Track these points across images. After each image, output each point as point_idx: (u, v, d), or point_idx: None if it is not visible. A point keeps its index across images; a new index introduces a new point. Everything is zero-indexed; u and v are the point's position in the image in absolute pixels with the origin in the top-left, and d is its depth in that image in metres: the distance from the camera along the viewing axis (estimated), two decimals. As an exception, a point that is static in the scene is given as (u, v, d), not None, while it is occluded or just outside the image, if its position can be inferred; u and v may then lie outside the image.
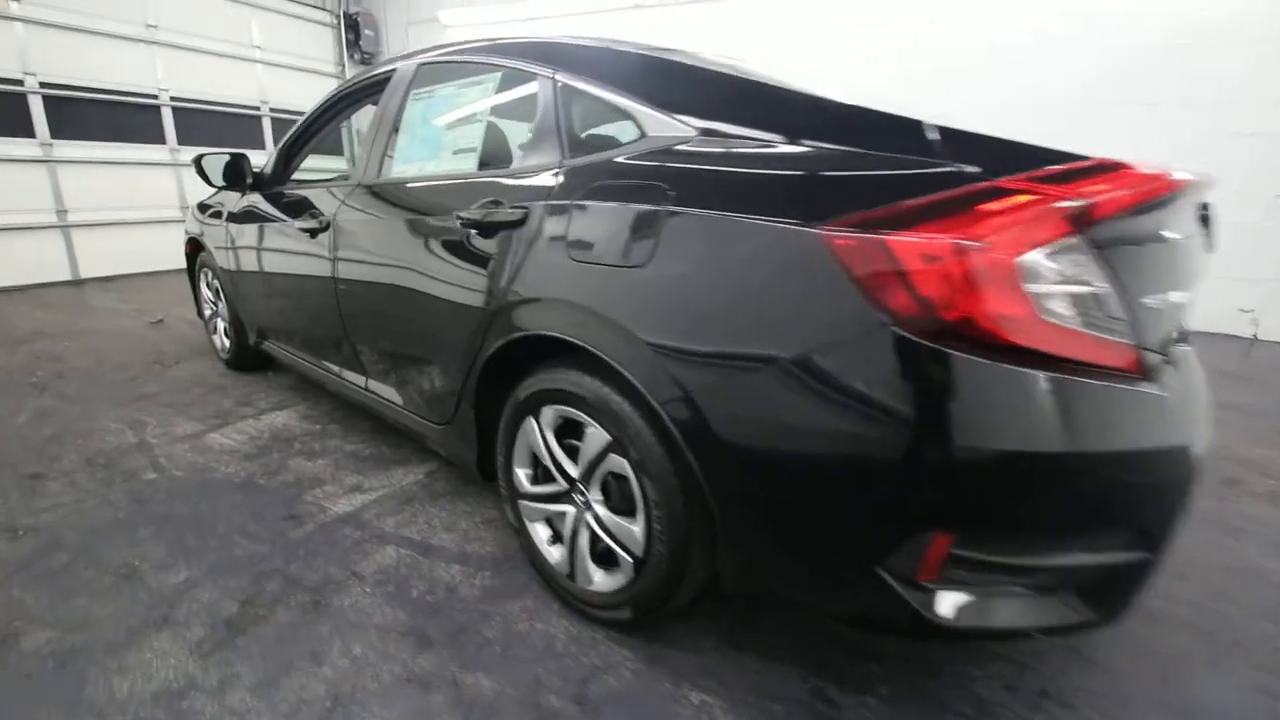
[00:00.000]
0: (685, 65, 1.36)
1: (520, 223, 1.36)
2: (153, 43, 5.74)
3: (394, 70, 1.98)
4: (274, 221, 2.39)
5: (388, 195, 1.84)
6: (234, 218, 2.67)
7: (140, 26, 5.65)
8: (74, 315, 4.34)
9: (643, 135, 1.26)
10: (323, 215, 2.02)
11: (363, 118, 2.45)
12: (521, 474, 1.52)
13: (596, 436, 1.28)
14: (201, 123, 6.19)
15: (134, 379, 3.06)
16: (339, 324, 2.06)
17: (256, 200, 2.52)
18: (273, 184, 2.50)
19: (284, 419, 2.61)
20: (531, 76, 1.52)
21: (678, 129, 1.21)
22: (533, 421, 1.42)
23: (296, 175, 2.67)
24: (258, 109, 6.68)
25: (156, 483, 2.04)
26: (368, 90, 2.17)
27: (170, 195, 6.06)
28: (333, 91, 2.33)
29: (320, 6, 7.19)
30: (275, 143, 6.92)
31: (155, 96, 5.82)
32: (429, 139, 1.80)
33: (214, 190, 3.01)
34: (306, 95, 7.13)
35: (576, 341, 1.23)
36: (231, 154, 2.45)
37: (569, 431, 1.38)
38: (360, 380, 2.10)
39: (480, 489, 2.03)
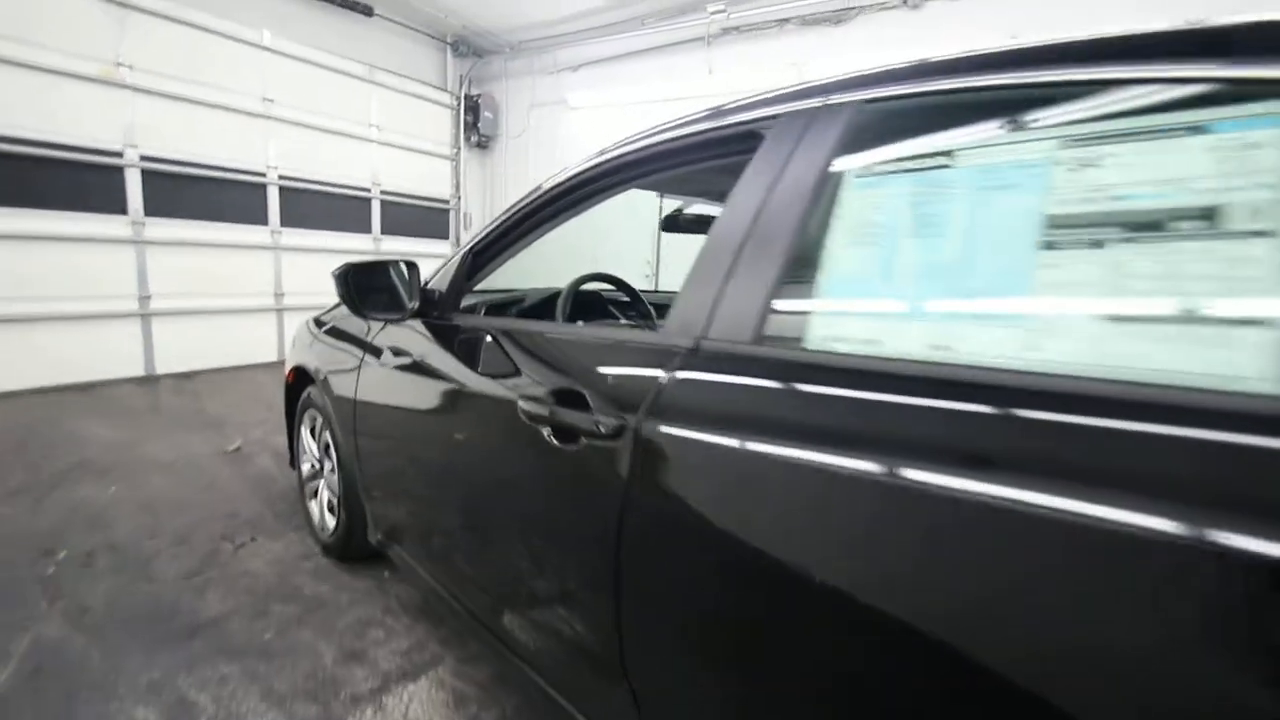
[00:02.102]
0: None
1: None
2: (268, 117, 5.20)
3: (813, 108, 0.92)
4: (459, 378, 1.36)
5: (853, 384, 0.76)
6: (382, 353, 1.67)
7: (256, 100, 5.12)
8: (136, 431, 3.45)
9: None
10: (611, 411, 0.96)
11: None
12: None
13: None
14: (307, 204, 5.57)
15: (191, 576, 2.03)
16: (608, 624, 0.96)
17: (421, 334, 1.52)
18: (450, 307, 1.51)
19: (426, 702, 1.50)
20: None
21: None
22: None
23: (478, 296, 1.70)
24: (368, 190, 6.07)
25: None
26: (679, 156, 1.17)
27: (265, 281, 5.36)
28: (582, 166, 1.33)
29: (442, 87, 6.70)
30: (382, 227, 6.30)
31: (263, 174, 5.22)
32: (1018, 245, 0.72)
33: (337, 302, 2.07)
34: (419, 178, 6.54)
35: None
36: (392, 261, 1.47)
37: None
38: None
39: None
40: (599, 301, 1.90)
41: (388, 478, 1.69)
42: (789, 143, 0.90)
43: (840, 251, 0.79)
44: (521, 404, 1.11)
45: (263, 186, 5.24)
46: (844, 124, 0.85)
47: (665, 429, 0.86)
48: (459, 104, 6.81)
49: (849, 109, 0.85)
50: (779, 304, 0.82)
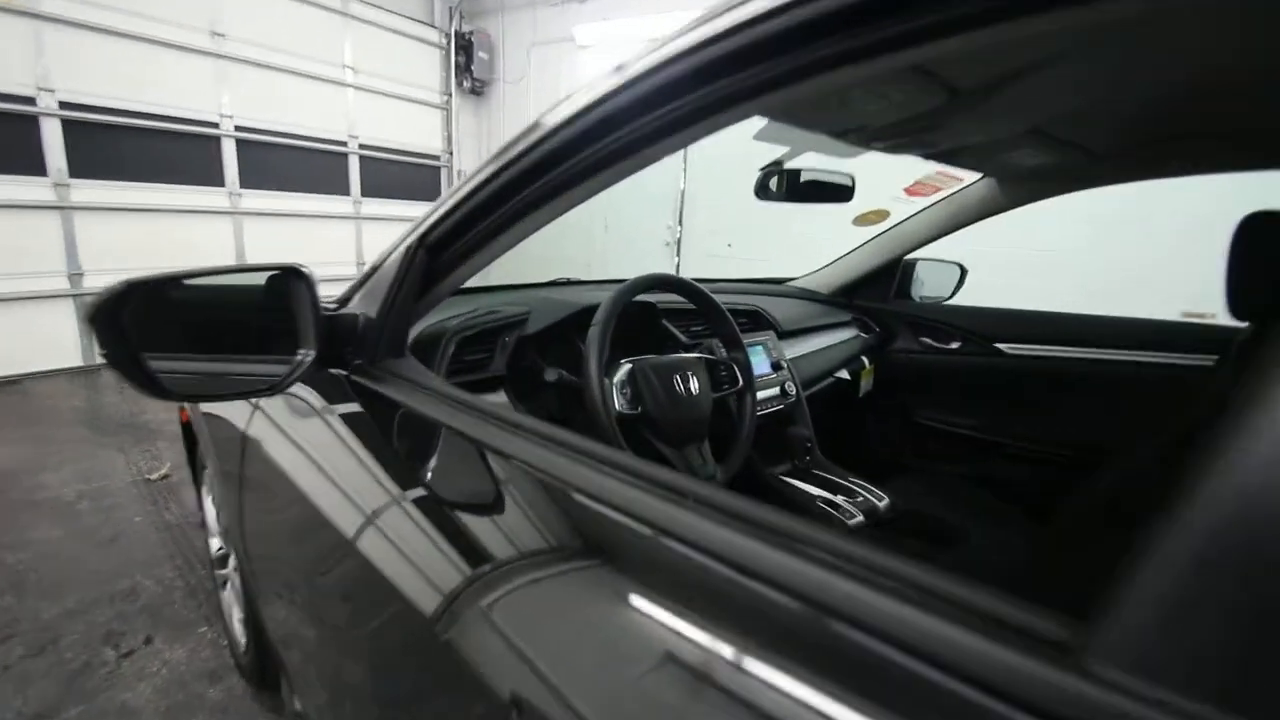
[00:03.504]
0: None
1: None
2: (219, 56, 4.36)
3: None
4: (410, 524, 0.64)
5: None
6: (277, 430, 0.93)
7: (203, 34, 4.28)
8: (42, 449, 2.75)
9: None
10: None
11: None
12: None
13: None
14: (272, 160, 4.76)
15: (47, 713, 1.36)
16: None
17: (336, 403, 0.80)
18: (387, 348, 0.79)
19: None
20: None
21: None
22: None
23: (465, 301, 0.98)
24: (344, 144, 5.24)
25: None
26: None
27: (225, 251, 4.60)
28: (654, 58, 0.56)
29: (428, 23, 5.79)
30: (363, 187, 5.46)
31: (216, 125, 4.41)
32: None
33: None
34: (404, 130, 5.70)
35: None
36: (241, 268, 0.73)
37: None
38: None
39: None
40: (647, 315, 1.17)
41: (307, 643, 0.98)
42: None
43: None
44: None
45: (216, 140, 4.42)
46: None
47: None
48: (449, 43, 5.90)
49: None
50: None
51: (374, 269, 0.86)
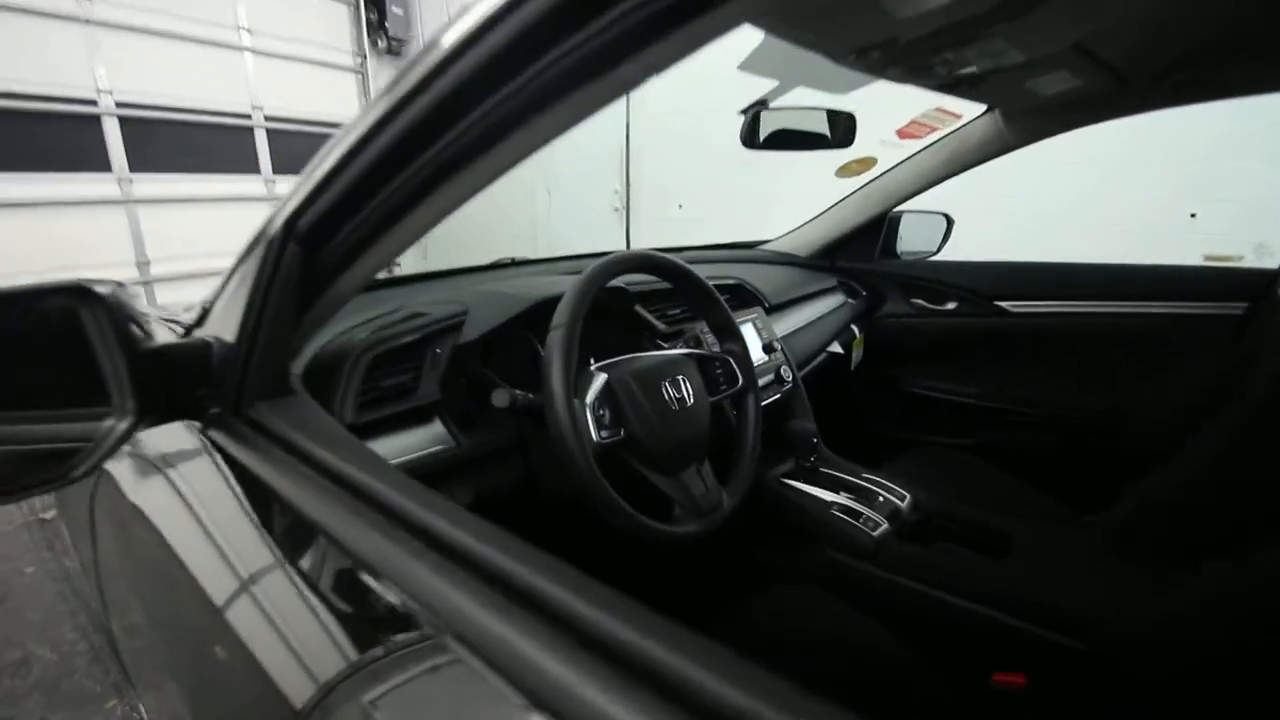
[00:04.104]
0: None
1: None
2: (87, 20, 3.80)
3: None
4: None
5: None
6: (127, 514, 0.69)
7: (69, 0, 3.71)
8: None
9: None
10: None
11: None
12: None
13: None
14: (166, 139, 4.23)
15: None
16: None
17: (185, 466, 0.56)
18: (256, 389, 0.54)
19: None
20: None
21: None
22: None
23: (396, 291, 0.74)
24: (248, 117, 4.71)
25: None
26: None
27: (121, 247, 4.10)
28: None
29: (332, -25, 5.23)
30: (274, 164, 4.94)
31: (94, 102, 3.87)
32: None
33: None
34: (315, 98, 5.18)
35: None
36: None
37: None
38: None
39: None
40: (617, 301, 0.94)
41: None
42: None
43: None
44: None
45: (96, 119, 3.89)
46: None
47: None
48: (358, -2, 5.36)
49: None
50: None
51: (231, 272, 0.60)
